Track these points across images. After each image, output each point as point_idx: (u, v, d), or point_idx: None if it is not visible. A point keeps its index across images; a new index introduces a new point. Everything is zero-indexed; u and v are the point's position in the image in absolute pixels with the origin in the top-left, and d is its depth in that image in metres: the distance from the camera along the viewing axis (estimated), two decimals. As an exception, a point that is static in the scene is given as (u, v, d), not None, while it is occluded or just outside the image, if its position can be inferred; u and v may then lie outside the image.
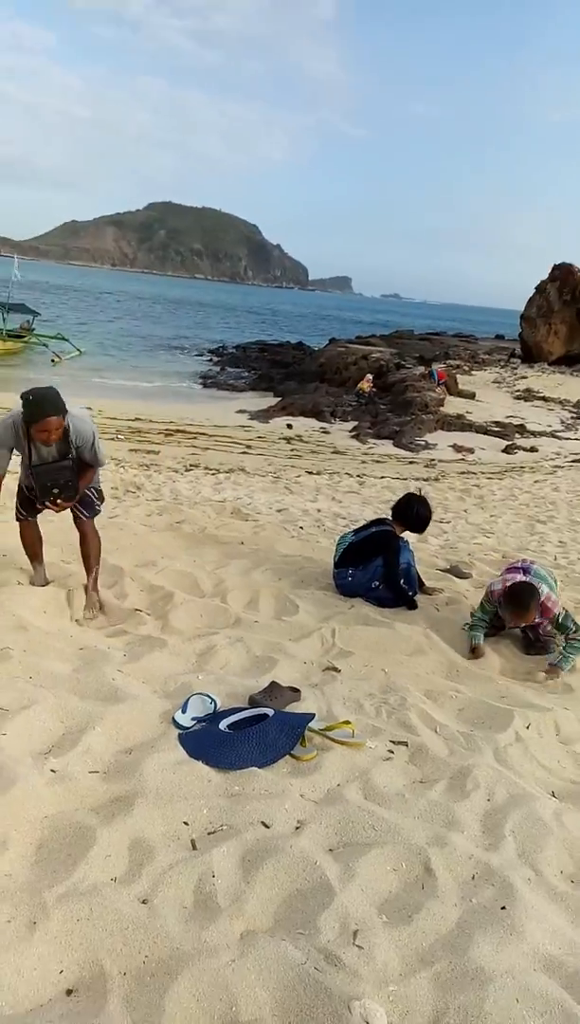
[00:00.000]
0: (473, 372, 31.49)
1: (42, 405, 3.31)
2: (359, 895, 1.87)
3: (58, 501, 3.55)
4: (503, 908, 1.89)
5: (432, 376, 23.55)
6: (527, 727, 2.99)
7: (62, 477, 3.50)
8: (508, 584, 3.76)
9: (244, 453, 13.73)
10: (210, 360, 34.18)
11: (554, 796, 2.56)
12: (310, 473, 11.65)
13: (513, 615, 3.70)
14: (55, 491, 3.51)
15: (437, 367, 25.33)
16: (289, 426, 18.03)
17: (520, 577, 3.82)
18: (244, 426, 17.66)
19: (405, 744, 2.69)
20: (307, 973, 1.59)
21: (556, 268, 38.09)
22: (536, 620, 3.78)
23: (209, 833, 2.03)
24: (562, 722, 3.13)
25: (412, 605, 4.31)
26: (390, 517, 4.65)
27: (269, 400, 22.03)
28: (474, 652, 3.82)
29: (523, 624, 3.81)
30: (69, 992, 1.52)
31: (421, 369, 24.93)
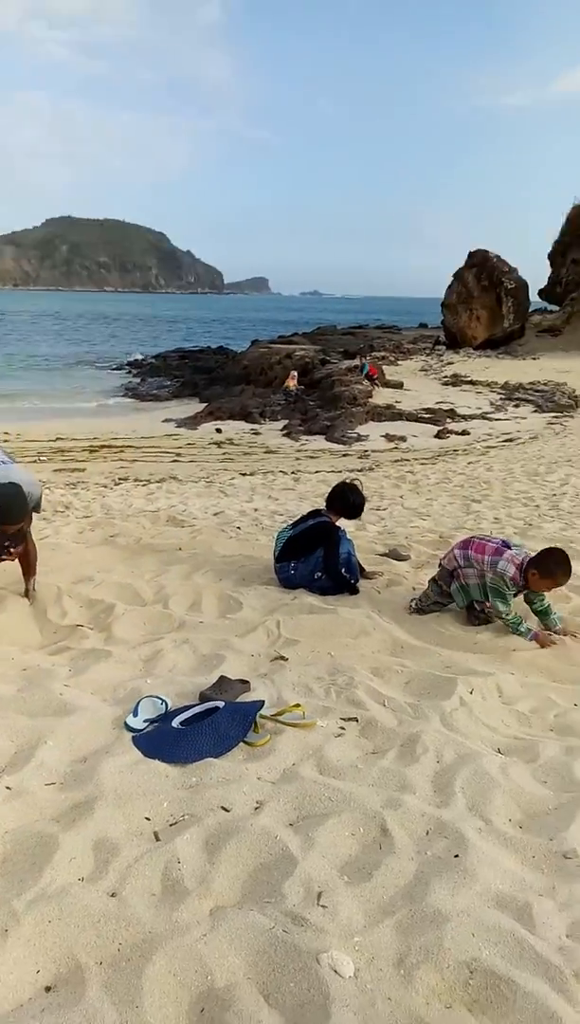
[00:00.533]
0: (399, 362, 32.11)
1: (7, 513, 3.39)
2: (320, 861, 1.97)
3: (10, 551, 3.63)
4: (456, 856, 2.01)
5: (363, 370, 23.96)
6: (471, 692, 3.14)
7: (11, 540, 3.58)
8: (542, 554, 3.80)
9: (174, 461, 13.69)
10: (129, 372, 33.82)
11: (500, 752, 2.70)
12: (244, 474, 11.72)
13: (564, 576, 3.73)
14: (6, 544, 3.56)
15: (367, 361, 25.70)
16: (218, 430, 18.06)
17: (525, 552, 3.89)
18: (172, 434, 17.59)
19: (355, 720, 2.80)
20: (276, 936, 1.68)
21: (472, 255, 39.13)
22: (477, 567, 3.91)
23: (171, 824, 2.10)
24: (504, 685, 3.29)
25: (354, 591, 4.44)
26: (325, 508, 4.78)
27: (195, 407, 21.98)
28: (542, 643, 3.75)
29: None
30: (48, 989, 1.56)
31: (347, 363, 25.29)
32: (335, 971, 1.60)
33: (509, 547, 3.92)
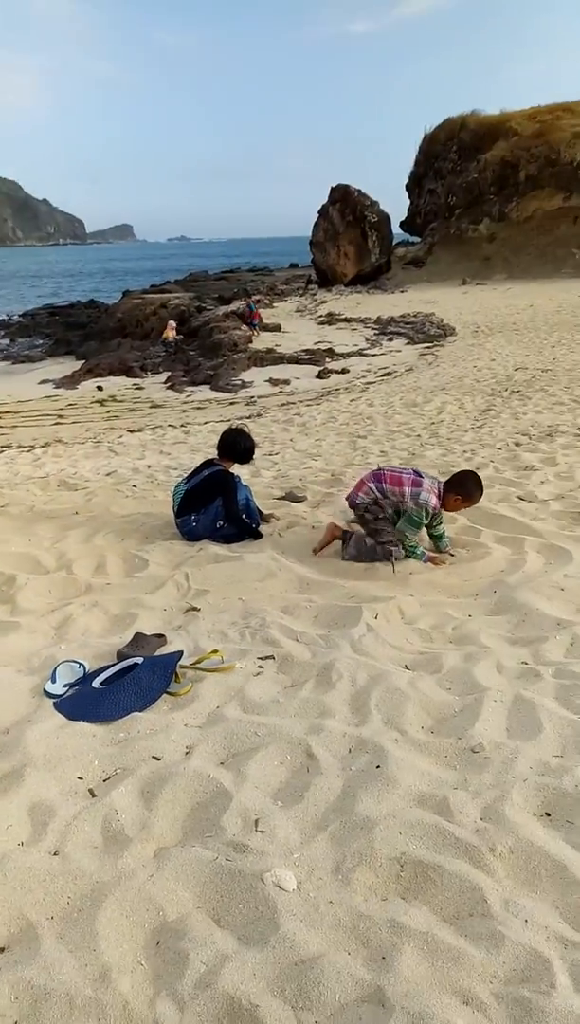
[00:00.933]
0: (274, 304, 31.92)
1: None
2: (254, 791, 2.07)
3: None
4: (378, 767, 2.17)
5: (250, 309, 23.59)
6: (375, 617, 3.32)
7: None
8: (457, 478, 4.07)
9: (57, 424, 13.20)
10: (-4, 333, 31.94)
11: (407, 668, 2.89)
12: (132, 431, 11.47)
13: (475, 497, 4.04)
14: None
15: (252, 302, 25.35)
16: (99, 388, 17.49)
17: (436, 479, 4.14)
18: (50, 396, 16.89)
19: (272, 657, 2.91)
20: (220, 865, 1.77)
21: (334, 190, 39.01)
22: (393, 498, 4.07)
23: (104, 780, 2.14)
24: (404, 607, 3.49)
25: (257, 535, 4.52)
26: (218, 456, 4.80)
27: (72, 365, 21.11)
28: (435, 562, 4.01)
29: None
30: (2, 950, 1.59)
31: (224, 309, 24.89)
32: (279, 887, 1.72)
33: (421, 476, 4.10)
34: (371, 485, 4.16)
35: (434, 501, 3.98)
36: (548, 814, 1.99)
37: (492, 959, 1.55)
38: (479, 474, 4.32)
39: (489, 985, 1.50)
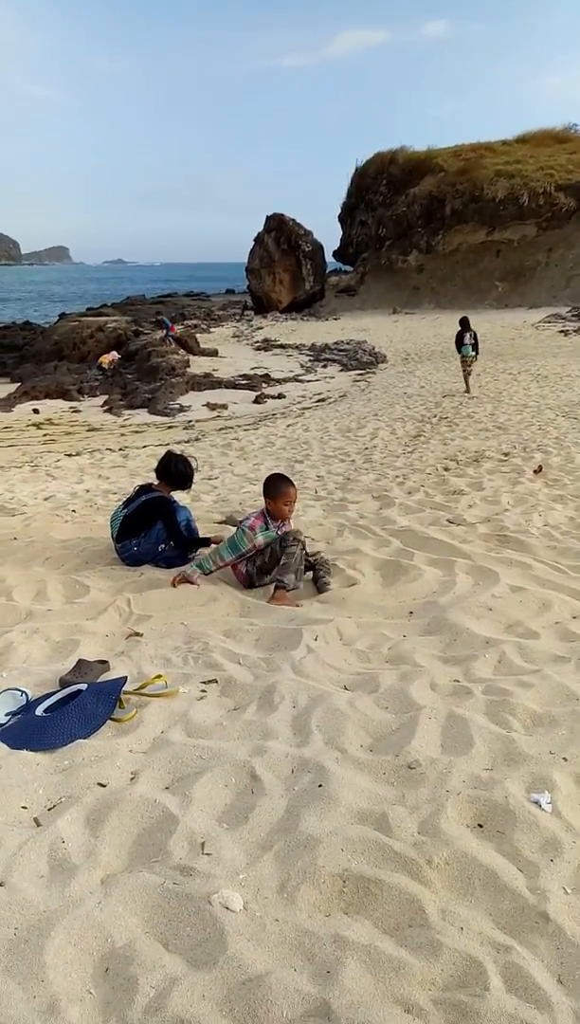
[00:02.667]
0: (212, 329, 32.15)
1: None
2: (199, 815, 2.10)
3: None
4: (320, 786, 2.23)
5: (165, 325, 23.77)
6: (315, 639, 3.40)
7: None
8: (263, 486, 4.24)
9: (-8, 448, 12.91)
10: None
11: (346, 688, 2.97)
12: (70, 455, 11.33)
13: (283, 493, 4.13)
14: None
15: (165, 319, 25.66)
16: (35, 411, 17.19)
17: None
18: (-16, 419, 16.50)
19: (215, 681, 2.95)
20: (167, 889, 1.80)
21: (269, 218, 39.73)
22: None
23: (49, 808, 2.13)
24: (343, 628, 3.59)
25: (206, 543, 4.57)
26: (156, 481, 4.83)
27: (7, 387, 20.67)
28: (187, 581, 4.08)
29: (290, 508, 4.19)
30: (-53, 985, 1.57)
31: (160, 334, 24.91)
32: (226, 907, 1.75)
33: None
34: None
35: (250, 521, 4.18)
36: (481, 825, 2.09)
37: (431, 967, 1.63)
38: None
39: (428, 992, 1.57)
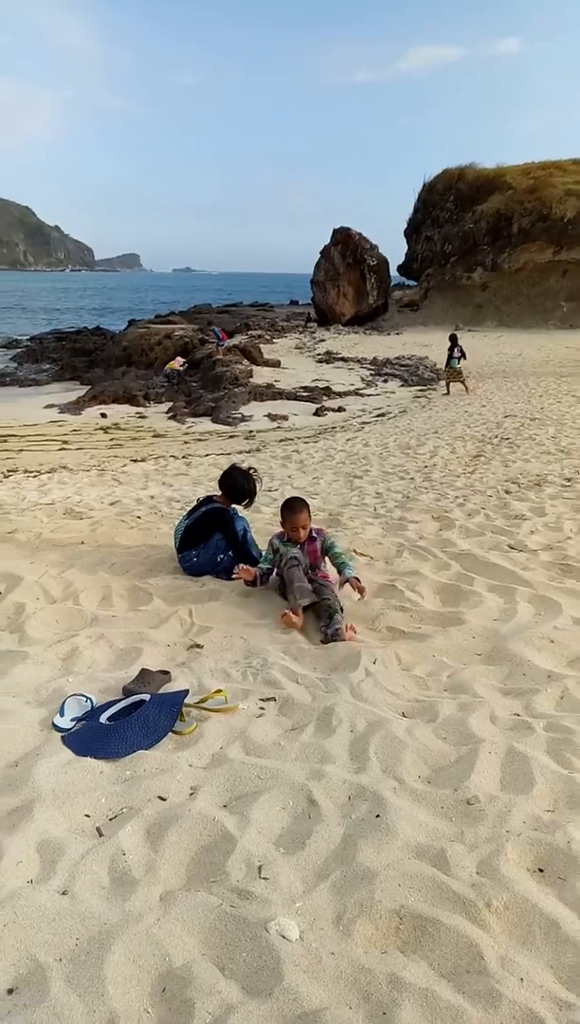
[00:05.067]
0: (275, 340, 32.39)
1: None
2: (257, 837, 2.11)
3: None
4: (378, 816, 2.21)
5: (215, 334, 24.18)
6: (374, 663, 3.37)
7: None
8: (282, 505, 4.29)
9: (62, 449, 13.27)
10: (4, 355, 32.14)
11: (404, 716, 2.94)
12: (135, 461, 11.56)
13: (289, 519, 4.15)
14: None
15: (216, 328, 26.15)
16: (103, 415, 17.61)
17: None
18: (56, 421, 16.97)
19: (273, 699, 2.96)
20: (225, 911, 1.81)
21: (336, 232, 39.91)
22: (313, 547, 4.19)
23: (111, 819, 2.17)
24: (402, 653, 3.55)
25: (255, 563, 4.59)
26: (218, 492, 4.88)
27: (77, 391, 21.24)
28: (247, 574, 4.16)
29: (302, 531, 4.16)
30: (11, 991, 1.61)
31: (227, 343, 25.28)
32: (283, 936, 1.75)
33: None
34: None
35: (274, 536, 4.30)
36: (541, 870, 2.03)
37: (490, 1018, 1.59)
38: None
39: (486, 1045, 1.54)
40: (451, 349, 17.91)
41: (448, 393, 18.09)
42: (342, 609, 3.87)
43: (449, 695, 3.14)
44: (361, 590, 4.00)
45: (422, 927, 1.82)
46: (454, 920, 1.83)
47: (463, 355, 17.89)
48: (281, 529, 4.30)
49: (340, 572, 4.09)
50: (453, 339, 18.19)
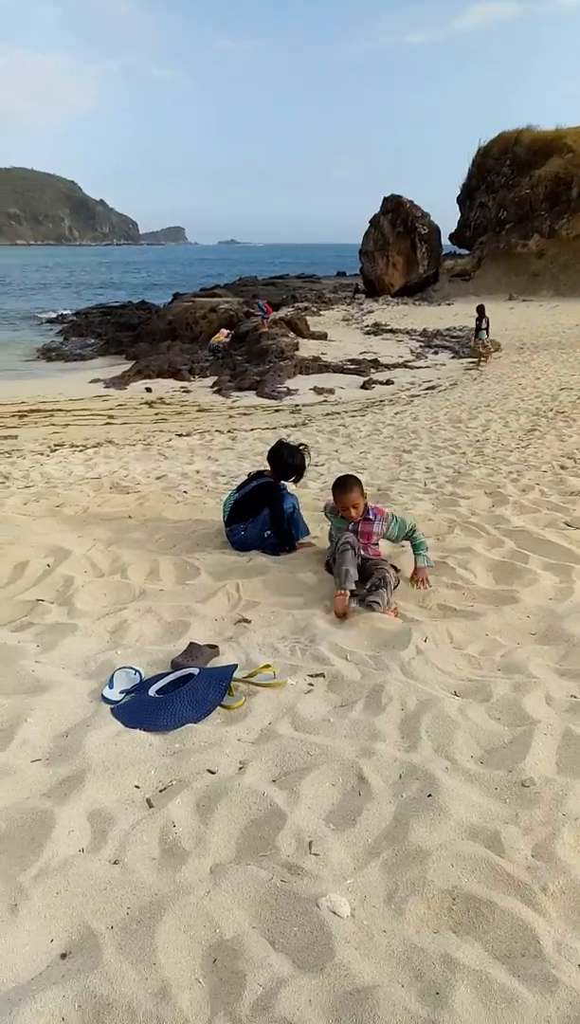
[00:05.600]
0: (322, 312, 32.01)
1: None
2: (307, 812, 2.09)
3: None
4: (429, 796, 2.17)
5: (260, 308, 24.01)
6: (425, 640, 3.31)
7: None
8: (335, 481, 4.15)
9: (108, 424, 13.40)
10: (50, 330, 32.53)
11: (456, 695, 2.88)
12: (180, 435, 11.60)
13: (340, 498, 3.99)
14: None
15: (260, 302, 25.96)
16: (148, 389, 17.70)
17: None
18: (101, 396, 17.14)
19: (322, 675, 2.93)
20: (275, 886, 1.80)
21: (386, 200, 38.98)
22: (368, 528, 4.01)
23: (161, 791, 2.18)
24: (453, 631, 3.48)
25: (292, 549, 4.54)
26: (267, 467, 4.84)
27: (122, 365, 21.38)
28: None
29: (354, 510, 3.98)
30: (64, 956, 1.64)
31: (272, 315, 25.07)
32: (334, 912, 1.74)
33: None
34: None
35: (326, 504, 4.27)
36: (600, 856, 1.97)
37: (546, 1003, 1.55)
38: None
39: (543, 1030, 1.50)
40: (479, 320, 18.63)
41: (478, 365, 17.99)
42: (394, 586, 3.80)
43: (503, 675, 3.07)
44: (424, 582, 3.90)
45: (476, 908, 1.78)
46: (509, 903, 1.79)
47: (488, 327, 18.72)
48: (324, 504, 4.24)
49: (416, 556, 3.99)
50: (480, 310, 19.02)
